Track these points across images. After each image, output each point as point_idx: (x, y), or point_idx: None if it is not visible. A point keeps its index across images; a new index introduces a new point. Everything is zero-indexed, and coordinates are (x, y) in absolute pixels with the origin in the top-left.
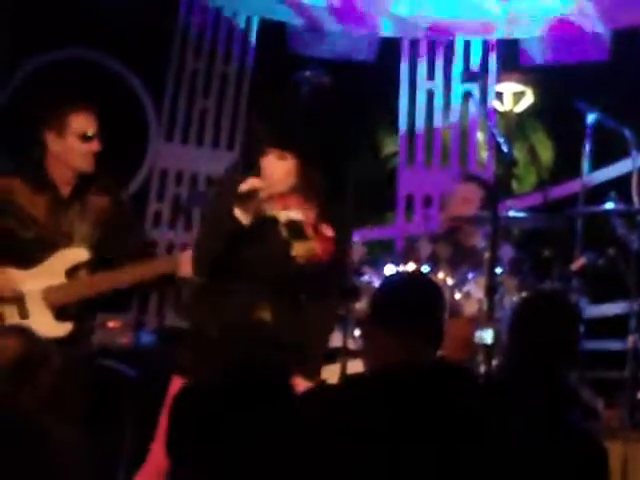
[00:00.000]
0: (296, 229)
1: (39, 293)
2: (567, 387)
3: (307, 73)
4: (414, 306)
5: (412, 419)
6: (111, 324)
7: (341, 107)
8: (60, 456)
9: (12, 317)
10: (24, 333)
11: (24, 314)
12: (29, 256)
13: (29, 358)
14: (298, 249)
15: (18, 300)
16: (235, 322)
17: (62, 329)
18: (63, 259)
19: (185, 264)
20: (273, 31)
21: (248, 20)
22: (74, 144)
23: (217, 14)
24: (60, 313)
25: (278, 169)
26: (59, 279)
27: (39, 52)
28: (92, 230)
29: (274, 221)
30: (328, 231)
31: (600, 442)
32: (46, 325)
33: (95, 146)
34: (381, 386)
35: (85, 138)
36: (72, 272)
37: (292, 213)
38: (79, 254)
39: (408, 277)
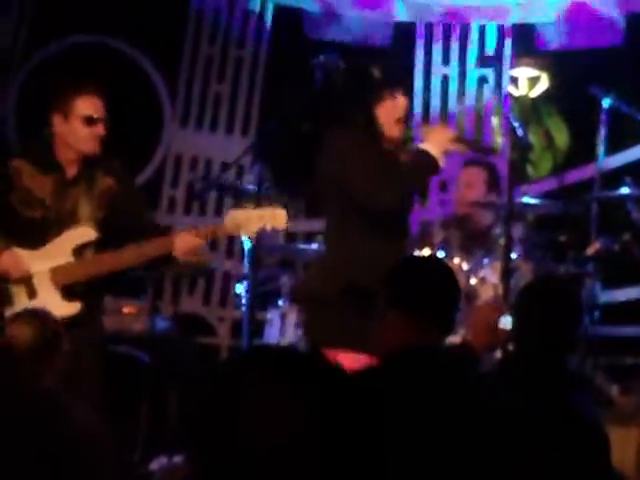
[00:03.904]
0: None
1: (47, 273)
2: (571, 372)
3: (322, 58)
4: (431, 289)
5: (423, 403)
6: (126, 310)
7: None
8: (82, 433)
9: (20, 297)
10: (37, 317)
11: (32, 294)
12: (36, 236)
13: (44, 341)
14: None
15: (26, 280)
16: None
17: (71, 308)
18: (70, 238)
19: (179, 245)
20: (288, 15)
21: (263, 4)
22: (78, 127)
23: None
24: (68, 292)
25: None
26: (66, 258)
27: (53, 38)
28: (97, 210)
29: None
30: None
31: (602, 427)
32: (54, 304)
33: (100, 129)
34: (395, 369)
35: (90, 121)
36: (79, 251)
37: None
38: (86, 233)
39: (424, 260)
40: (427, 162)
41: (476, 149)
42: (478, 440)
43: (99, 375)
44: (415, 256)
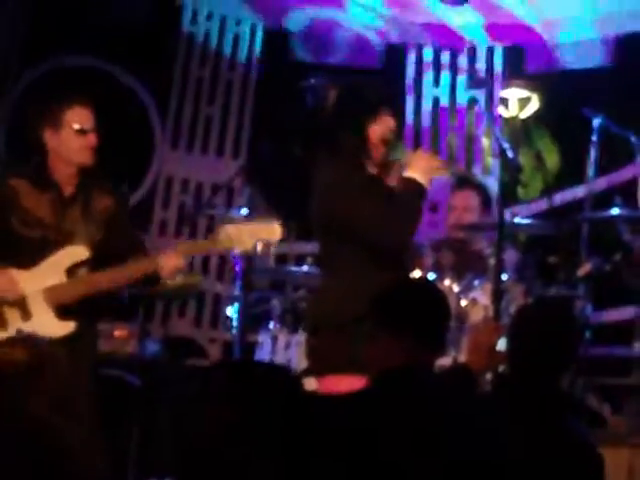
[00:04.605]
0: None
1: (40, 293)
2: (565, 393)
3: (312, 80)
4: (420, 311)
5: (412, 425)
6: (117, 333)
7: None
8: (73, 457)
9: (14, 319)
10: (28, 342)
11: (26, 314)
12: (33, 256)
13: (35, 366)
14: None
15: (20, 301)
16: None
17: (65, 328)
18: (63, 258)
19: (165, 264)
20: (278, 38)
21: (253, 27)
22: (70, 138)
23: (222, 22)
24: (62, 312)
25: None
26: (59, 278)
27: (43, 61)
28: (95, 230)
29: None
30: None
31: (596, 448)
32: (49, 325)
33: (92, 140)
34: (383, 391)
35: (81, 132)
36: (72, 270)
37: None
38: (79, 252)
39: (413, 283)
40: (416, 190)
41: (459, 174)
42: (470, 462)
43: (94, 394)
44: (404, 278)
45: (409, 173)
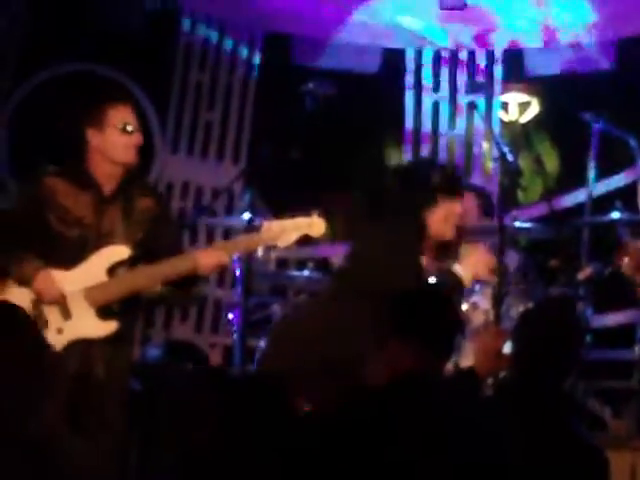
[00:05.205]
0: None
1: (81, 293)
2: (570, 396)
3: (311, 85)
4: (432, 317)
5: (424, 430)
6: None
7: (346, 118)
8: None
9: (55, 319)
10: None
11: (67, 315)
12: (73, 256)
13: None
14: None
15: (60, 301)
16: None
17: (106, 328)
18: (104, 257)
19: (204, 263)
20: (277, 43)
21: (252, 31)
22: (114, 137)
23: (221, 26)
24: (103, 312)
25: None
26: (100, 278)
27: (43, 66)
28: (135, 230)
29: None
30: None
31: (602, 451)
32: (90, 325)
33: (137, 138)
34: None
35: (125, 131)
36: (113, 270)
37: None
38: (120, 252)
39: (424, 289)
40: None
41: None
42: (478, 465)
43: (126, 399)
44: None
45: (460, 267)
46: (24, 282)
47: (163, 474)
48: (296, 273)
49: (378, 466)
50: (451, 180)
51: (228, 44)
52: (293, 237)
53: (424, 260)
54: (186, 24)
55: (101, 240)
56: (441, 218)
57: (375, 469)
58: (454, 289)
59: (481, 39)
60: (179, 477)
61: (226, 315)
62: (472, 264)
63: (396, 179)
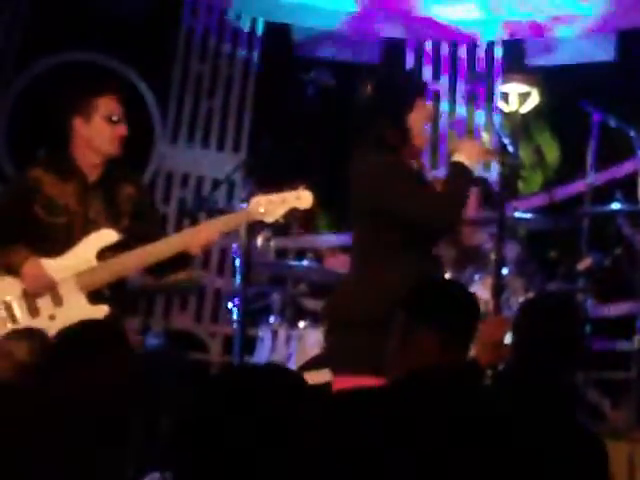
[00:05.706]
0: None
1: (72, 278)
2: (571, 387)
3: (312, 74)
4: (460, 308)
5: (449, 421)
6: None
7: (346, 108)
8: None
9: (46, 306)
10: (35, 335)
11: (58, 301)
12: (60, 243)
13: (41, 358)
14: None
15: (51, 288)
16: None
17: (98, 312)
18: (92, 242)
19: (194, 242)
20: (278, 32)
21: (253, 21)
22: (101, 127)
23: (221, 16)
24: (94, 296)
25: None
26: (90, 262)
27: (44, 56)
28: (121, 216)
29: None
30: None
31: (602, 442)
32: (81, 310)
33: (123, 130)
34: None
35: (111, 121)
36: (102, 254)
37: None
38: (108, 235)
39: (443, 280)
40: (463, 174)
41: (508, 163)
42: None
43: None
44: (436, 277)
45: (457, 157)
46: (13, 271)
47: (163, 460)
48: (295, 263)
49: (411, 459)
50: (420, 80)
51: (229, 34)
52: (281, 211)
53: None
54: (187, 13)
55: (88, 227)
56: (420, 118)
57: (408, 462)
58: (468, 180)
59: (480, 29)
60: (179, 465)
61: (226, 304)
62: (469, 152)
63: (373, 90)
